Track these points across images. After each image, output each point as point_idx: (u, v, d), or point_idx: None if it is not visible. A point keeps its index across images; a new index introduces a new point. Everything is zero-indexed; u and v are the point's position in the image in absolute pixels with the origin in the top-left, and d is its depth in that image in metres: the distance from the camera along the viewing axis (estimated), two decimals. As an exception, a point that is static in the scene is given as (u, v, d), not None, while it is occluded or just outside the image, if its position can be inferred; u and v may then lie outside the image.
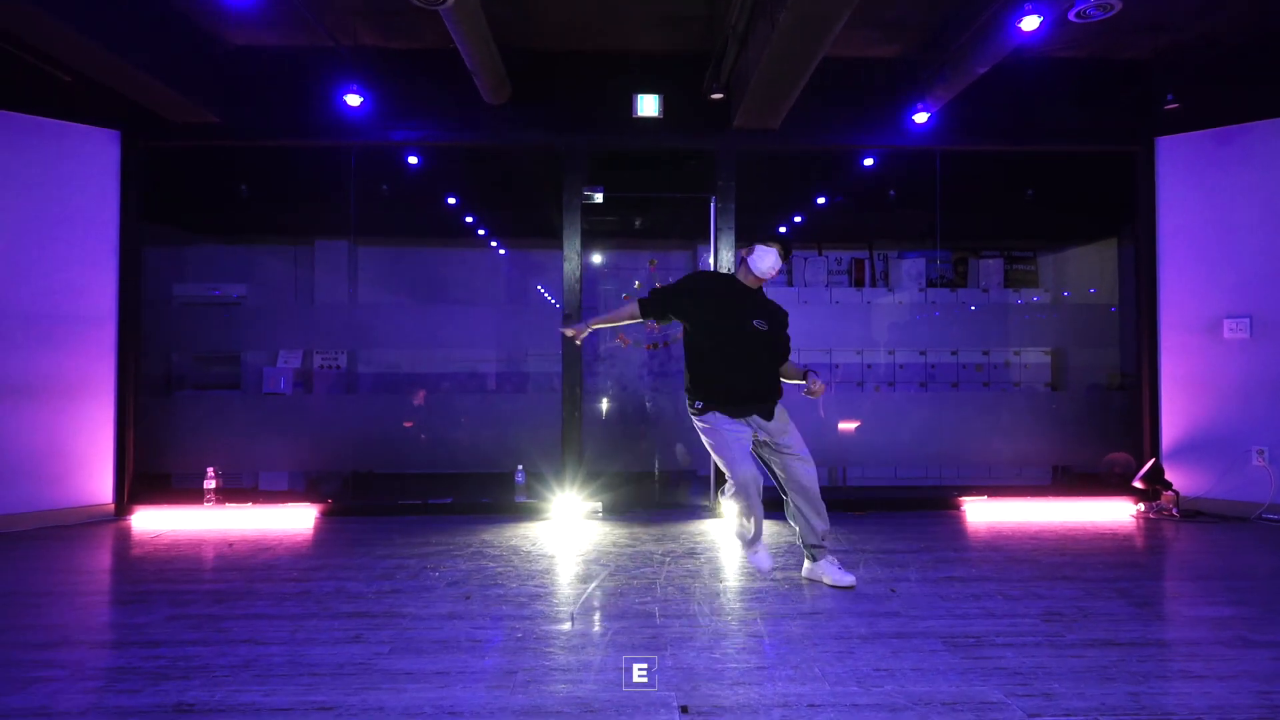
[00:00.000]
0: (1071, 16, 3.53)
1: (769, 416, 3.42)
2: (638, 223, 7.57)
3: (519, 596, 3.34)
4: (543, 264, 7.89)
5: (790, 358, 3.60)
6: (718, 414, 3.37)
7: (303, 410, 5.90)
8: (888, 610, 3.14)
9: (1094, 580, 3.58)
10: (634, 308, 3.49)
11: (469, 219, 7.76)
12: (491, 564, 3.91)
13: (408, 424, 5.70)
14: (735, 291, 3.47)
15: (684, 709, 2.26)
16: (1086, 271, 7.65)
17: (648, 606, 3.20)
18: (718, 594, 3.38)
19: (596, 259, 7.77)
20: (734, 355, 3.38)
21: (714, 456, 3.49)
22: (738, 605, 3.22)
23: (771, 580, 3.58)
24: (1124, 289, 6.71)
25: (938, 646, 2.74)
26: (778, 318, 3.51)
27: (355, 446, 5.63)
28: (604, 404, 7.33)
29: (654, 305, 3.48)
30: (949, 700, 2.31)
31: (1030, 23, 3.70)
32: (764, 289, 3.55)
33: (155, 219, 6.83)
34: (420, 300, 7.76)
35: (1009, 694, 2.35)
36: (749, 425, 3.41)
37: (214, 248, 7.39)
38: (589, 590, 3.44)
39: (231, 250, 7.42)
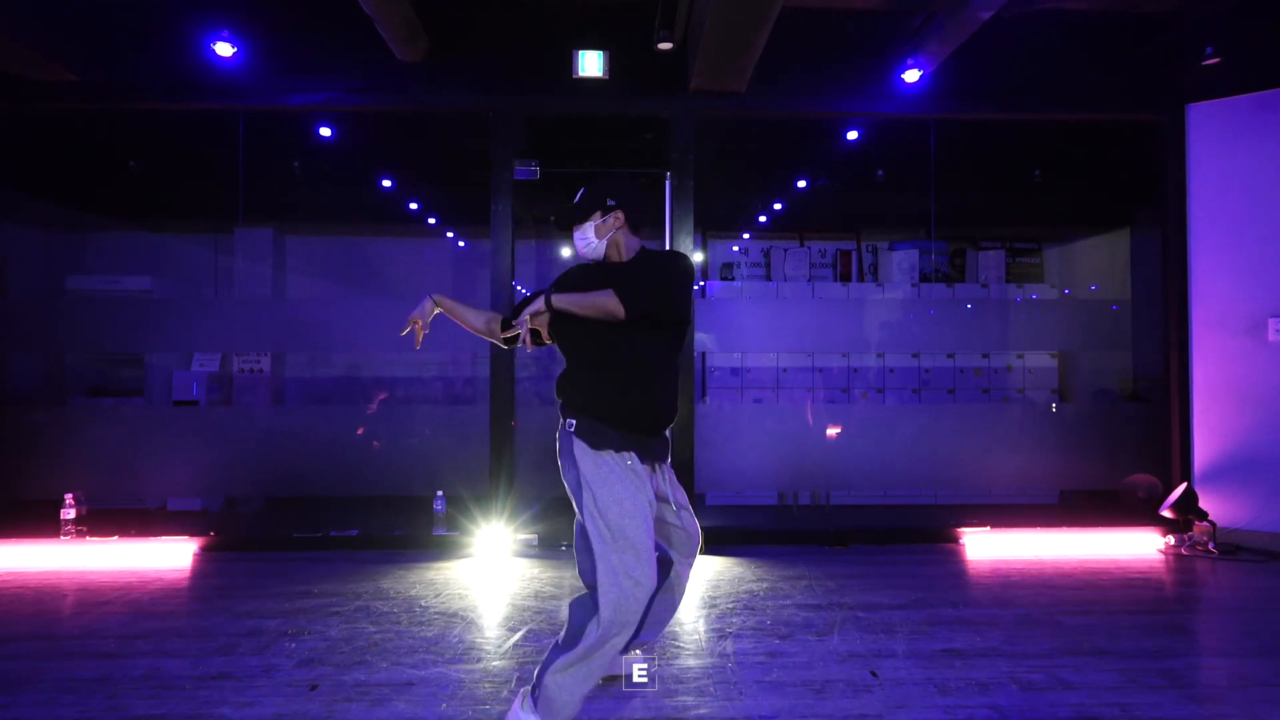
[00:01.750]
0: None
1: (669, 421, 2.24)
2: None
3: (383, 687, 2.53)
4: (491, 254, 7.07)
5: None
6: (623, 456, 2.14)
7: (216, 423, 5.06)
8: (865, 711, 2.34)
9: (1133, 655, 2.78)
10: (495, 322, 2.38)
11: (411, 205, 6.95)
12: (373, 627, 3.09)
13: (360, 431, 4.90)
14: (609, 272, 2.24)
15: None
16: (1098, 265, 6.87)
17: (547, 703, 2.39)
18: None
19: (564, 250, 6.96)
20: (632, 359, 2.16)
21: (596, 541, 2.08)
22: (667, 701, 2.42)
23: (719, 654, 2.78)
24: (1141, 284, 5.95)
25: (933, 782, 1.95)
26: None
27: (276, 465, 4.83)
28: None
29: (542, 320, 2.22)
30: None
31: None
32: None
33: (38, 198, 6.02)
34: (355, 295, 6.95)
35: None
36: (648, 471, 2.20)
37: (118, 235, 6.54)
38: (475, 675, 2.63)
39: (138, 238, 6.57)
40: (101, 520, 4.44)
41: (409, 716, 2.31)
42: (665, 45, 4.00)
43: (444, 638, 2.98)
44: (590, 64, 4.35)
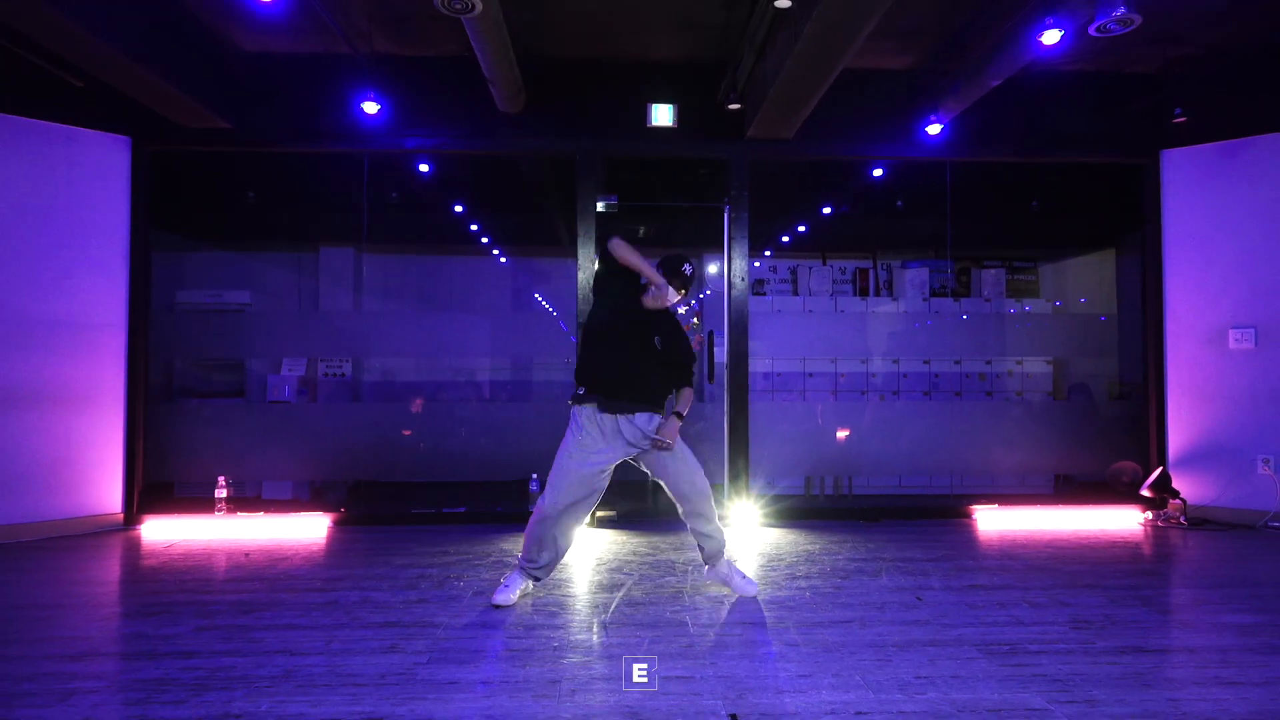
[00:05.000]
0: (1092, 31, 3.57)
1: (647, 403, 3.29)
2: (640, 230, 7.58)
3: (548, 606, 3.34)
4: (548, 272, 7.89)
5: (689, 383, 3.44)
6: (587, 410, 3.30)
7: (307, 418, 5.85)
8: (917, 618, 3.16)
9: (1115, 588, 3.61)
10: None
11: (474, 226, 7.77)
12: (514, 573, 3.89)
13: (406, 432, 5.67)
14: (640, 305, 3.41)
15: (733, 717, 2.26)
16: (1087, 282, 7.74)
17: (679, 615, 3.20)
18: (743, 601, 3.38)
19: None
20: (629, 353, 3.31)
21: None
22: (768, 614, 3.23)
23: (797, 588, 3.59)
24: (1125, 299, 6.81)
25: (974, 654, 2.76)
26: (673, 334, 3.42)
27: (360, 455, 5.59)
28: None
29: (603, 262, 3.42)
30: (994, 707, 2.33)
31: (1051, 36, 3.76)
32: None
33: (161, 225, 6.82)
34: (424, 308, 7.76)
35: (1051, 700, 2.37)
36: (619, 435, 3.28)
37: (216, 254, 7.35)
38: (617, 599, 3.44)
39: (234, 257, 7.38)
40: (228, 503, 5.19)
41: (582, 623, 3.11)
42: (734, 106, 4.85)
43: (577, 578, 3.78)
44: (662, 115, 5.20)
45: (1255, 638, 2.95)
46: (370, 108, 4.66)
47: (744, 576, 3.47)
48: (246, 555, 4.31)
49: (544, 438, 5.45)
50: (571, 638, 2.94)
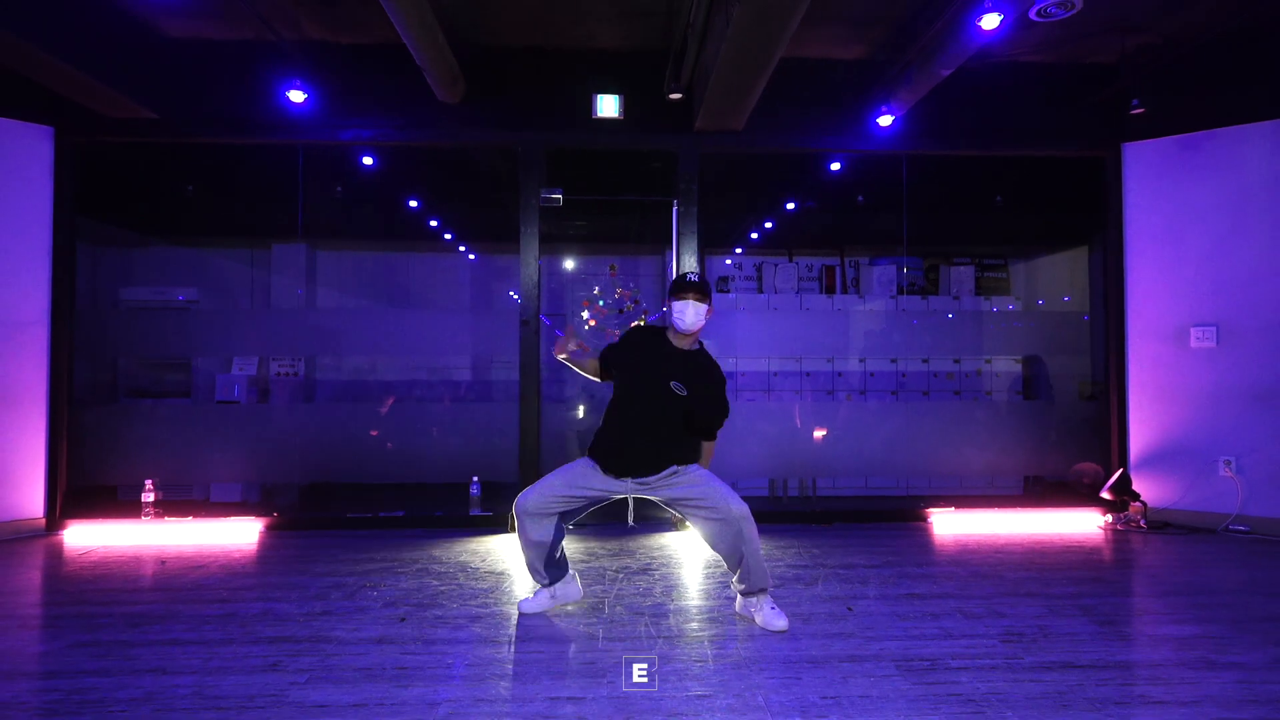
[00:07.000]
0: (1032, 15, 3.42)
1: (652, 470, 3.06)
2: (616, 225, 7.41)
3: (457, 618, 3.17)
4: (506, 268, 7.68)
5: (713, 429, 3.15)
6: (591, 462, 3.11)
7: (256, 419, 5.66)
8: (842, 631, 3.00)
9: (1058, 597, 3.46)
10: (595, 363, 3.24)
11: (433, 222, 7.59)
12: (435, 581, 3.72)
13: (374, 433, 5.50)
14: (662, 349, 3.09)
15: (613, 745, 2.10)
16: (1059, 279, 7.59)
17: (592, 628, 3.04)
18: (667, 614, 3.22)
19: (568, 264, 7.63)
20: (638, 416, 3.05)
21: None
22: (688, 626, 3.06)
23: (725, 598, 3.43)
24: (1094, 296, 6.66)
25: (890, 670, 2.60)
26: (700, 379, 3.05)
27: (311, 457, 5.41)
28: (574, 413, 7.16)
29: (603, 363, 3.23)
30: (897, 733, 2.17)
31: (990, 21, 3.59)
32: (705, 347, 3.23)
33: (101, 219, 6.63)
34: (380, 306, 7.58)
35: (961, 725, 2.21)
36: (618, 485, 3.08)
37: (165, 250, 7.16)
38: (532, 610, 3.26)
39: (183, 253, 7.19)
40: (158, 507, 4.99)
41: (485, 637, 2.94)
42: (675, 96, 4.67)
43: (498, 588, 3.61)
44: (607, 106, 5.02)
45: (1192, 651, 2.79)
46: (296, 96, 4.48)
47: (774, 608, 3.07)
48: (162, 563, 4.13)
49: (501, 437, 5.31)
50: (471, 654, 2.77)
